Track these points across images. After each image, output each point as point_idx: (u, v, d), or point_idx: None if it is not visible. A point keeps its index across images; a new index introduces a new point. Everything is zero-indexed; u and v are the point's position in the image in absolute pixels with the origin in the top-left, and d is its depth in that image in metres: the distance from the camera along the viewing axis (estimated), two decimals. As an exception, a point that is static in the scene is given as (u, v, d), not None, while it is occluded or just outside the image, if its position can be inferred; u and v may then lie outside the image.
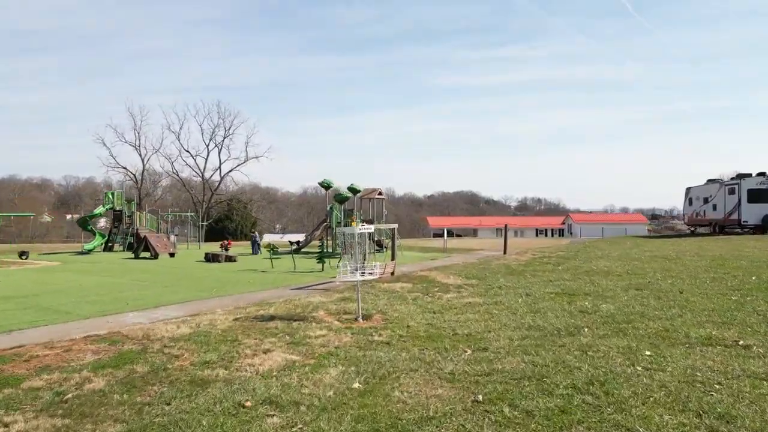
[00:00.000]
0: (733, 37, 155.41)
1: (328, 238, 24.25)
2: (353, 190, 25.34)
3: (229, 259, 20.95)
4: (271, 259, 18.64)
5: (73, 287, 12.65)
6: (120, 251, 27.88)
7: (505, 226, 21.99)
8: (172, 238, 30.20)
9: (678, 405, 3.96)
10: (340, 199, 25.31)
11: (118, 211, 29.02)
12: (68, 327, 7.55)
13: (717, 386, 4.34)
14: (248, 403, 4.13)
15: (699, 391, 4.25)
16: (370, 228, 8.11)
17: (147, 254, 23.53)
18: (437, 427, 3.65)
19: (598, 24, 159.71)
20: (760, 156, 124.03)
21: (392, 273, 13.64)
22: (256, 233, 27.61)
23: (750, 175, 28.02)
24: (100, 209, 29.86)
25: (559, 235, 71.73)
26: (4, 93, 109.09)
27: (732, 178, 29.26)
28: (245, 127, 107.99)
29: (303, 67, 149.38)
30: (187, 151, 58.33)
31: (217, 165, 58.87)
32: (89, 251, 27.14)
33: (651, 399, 4.08)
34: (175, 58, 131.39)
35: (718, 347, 5.55)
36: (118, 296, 10.87)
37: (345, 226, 20.24)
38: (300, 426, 3.70)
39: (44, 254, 26.87)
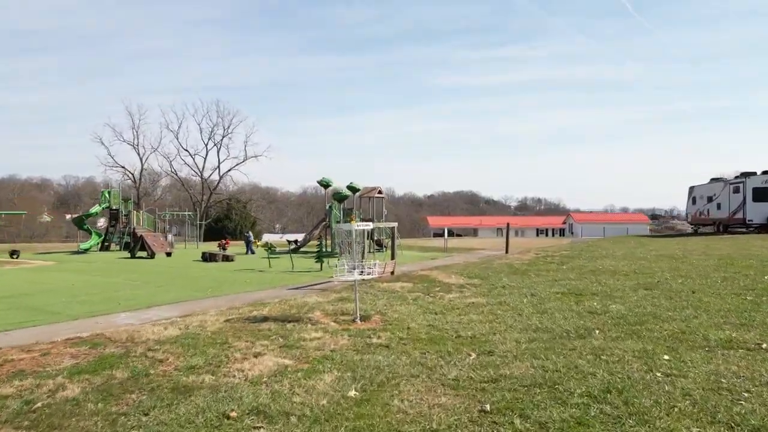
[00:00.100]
0: (733, 37, 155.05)
1: (327, 237, 23.89)
2: (352, 189, 24.98)
3: (227, 258, 20.62)
4: (268, 258, 18.29)
5: (65, 287, 12.34)
6: (117, 251, 27.53)
7: (507, 225, 21.62)
8: (170, 237, 29.86)
9: (706, 416, 3.59)
10: (339, 197, 24.95)
11: (115, 210, 28.65)
12: (55, 328, 7.27)
13: (746, 394, 3.98)
14: (234, 414, 3.77)
15: (726, 399, 3.89)
16: (368, 225, 7.74)
17: (143, 254, 23.19)
18: (441, 441, 3.29)
19: (598, 24, 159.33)
20: (761, 156, 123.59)
21: (392, 272, 13.29)
22: (251, 233, 27.17)
23: (755, 173, 27.63)
24: (96, 208, 29.49)
25: (560, 235, 71.34)
26: (4, 93, 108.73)
27: (736, 177, 28.87)
28: (244, 126, 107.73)
29: (303, 67, 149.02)
30: (186, 150, 57.94)
31: (216, 164, 58.52)
32: (85, 251, 26.77)
33: (675, 409, 3.71)
34: (175, 58, 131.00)
35: (740, 350, 5.19)
36: (110, 296, 10.57)
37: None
38: (289, 440, 3.34)
39: (39, 254, 26.52)
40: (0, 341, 6.28)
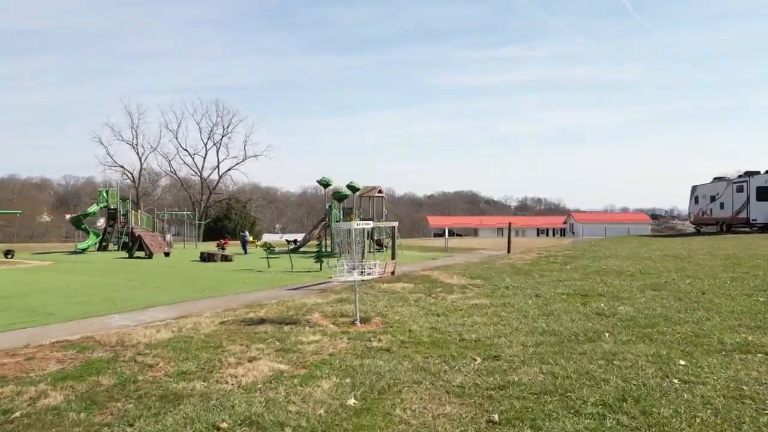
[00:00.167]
0: (733, 37, 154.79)
1: (327, 237, 23.65)
2: (352, 188, 24.74)
3: (225, 258, 20.39)
4: (267, 258, 18.05)
5: (60, 287, 12.12)
6: (115, 251, 27.29)
7: (509, 224, 21.38)
8: (168, 237, 29.63)
9: (730, 427, 3.35)
10: (339, 197, 24.70)
11: (113, 209, 28.39)
12: (48, 330, 7.07)
13: (770, 403, 3.73)
14: (224, 425, 3.53)
15: (751, 409, 3.64)
16: (368, 224, 7.49)
17: (141, 254, 22.96)
18: (447, 456, 3.04)
19: (598, 24, 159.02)
20: (761, 156, 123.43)
21: (392, 272, 13.05)
22: (247, 233, 26.77)
23: (758, 172, 27.39)
24: (94, 208, 29.22)
25: (561, 235, 71.08)
26: (4, 93, 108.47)
27: (740, 176, 28.62)
28: (244, 126, 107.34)
29: (303, 67, 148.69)
30: (185, 150, 57.73)
31: (216, 164, 58.30)
32: (83, 251, 26.53)
33: (697, 420, 3.47)
34: (175, 58, 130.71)
35: (759, 355, 4.94)
36: (106, 297, 10.36)
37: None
38: (283, 454, 3.10)
39: (37, 253, 26.28)
40: (-14, 344, 6.04)
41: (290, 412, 3.74)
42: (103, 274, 15.21)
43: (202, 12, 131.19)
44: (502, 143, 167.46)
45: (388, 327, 6.56)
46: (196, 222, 38.64)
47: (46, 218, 63.50)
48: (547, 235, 72.27)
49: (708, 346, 5.29)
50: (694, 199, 32.61)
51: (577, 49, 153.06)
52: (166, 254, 23.50)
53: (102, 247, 27.96)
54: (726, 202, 28.65)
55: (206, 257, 20.48)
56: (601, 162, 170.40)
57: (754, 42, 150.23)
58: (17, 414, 3.78)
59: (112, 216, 28.52)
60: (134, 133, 54.67)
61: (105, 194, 28.75)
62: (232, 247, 26.30)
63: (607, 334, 5.86)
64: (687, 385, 4.14)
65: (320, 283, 11.84)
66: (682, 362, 4.74)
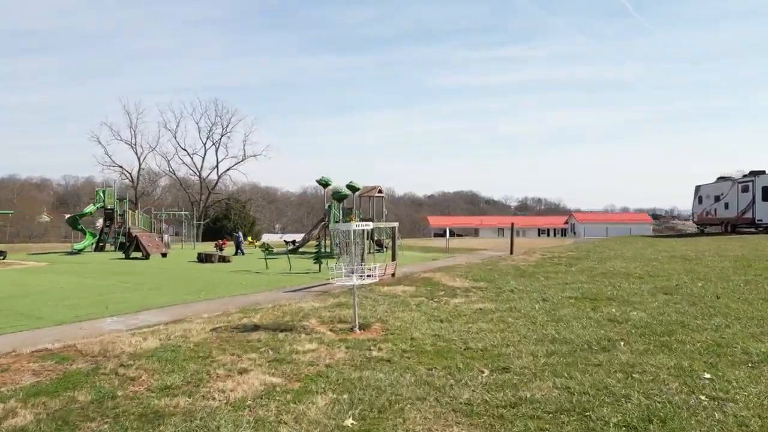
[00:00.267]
0: (733, 37, 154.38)
1: (326, 237, 23.29)
2: (352, 188, 24.39)
3: (223, 259, 20.09)
4: (265, 259, 17.70)
5: (54, 289, 11.82)
6: (111, 251, 26.96)
7: (512, 225, 21.02)
8: (166, 237, 29.28)
9: (772, 454, 2.99)
10: (339, 197, 24.35)
11: (110, 209, 28.06)
12: (35, 335, 6.80)
13: (812, 425, 3.37)
14: (207, 450, 3.17)
15: (791, 431, 3.28)
16: (368, 225, 7.12)
17: (138, 254, 22.64)
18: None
19: (598, 24, 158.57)
20: (760, 156, 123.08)
21: (393, 274, 12.71)
22: (241, 233, 26.28)
23: (764, 172, 27.02)
24: (90, 208, 28.89)
25: (562, 235, 70.70)
26: (4, 93, 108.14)
27: (745, 176, 28.25)
28: (243, 125, 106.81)
29: (303, 67, 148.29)
30: (184, 150, 57.34)
31: (215, 164, 57.91)
32: (79, 251, 26.21)
33: (734, 445, 3.11)
34: (175, 58, 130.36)
35: (789, 367, 4.59)
36: (99, 299, 10.07)
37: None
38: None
39: (33, 254, 25.96)
40: (-37, 353, 5.68)
41: (281, 434, 3.39)
42: (98, 276, 14.89)
43: (202, 12, 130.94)
44: (502, 143, 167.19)
45: (388, 334, 6.21)
46: (194, 222, 38.24)
47: (45, 218, 63.21)
48: (548, 235, 71.88)
49: (732, 357, 4.93)
50: (698, 199, 32.24)
51: (577, 49, 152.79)
52: (163, 255, 23.19)
53: (99, 248, 27.64)
54: (731, 202, 28.29)
55: (204, 258, 20.18)
56: (601, 162, 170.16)
57: (754, 42, 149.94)
58: (-21, 436, 3.43)
59: (109, 216, 28.20)
60: (133, 132, 54.39)
61: (102, 194, 28.42)
62: (231, 248, 25.94)
63: (622, 343, 5.50)
64: (716, 403, 3.78)
65: (319, 285, 11.50)
66: (707, 375, 4.38)
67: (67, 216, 30.13)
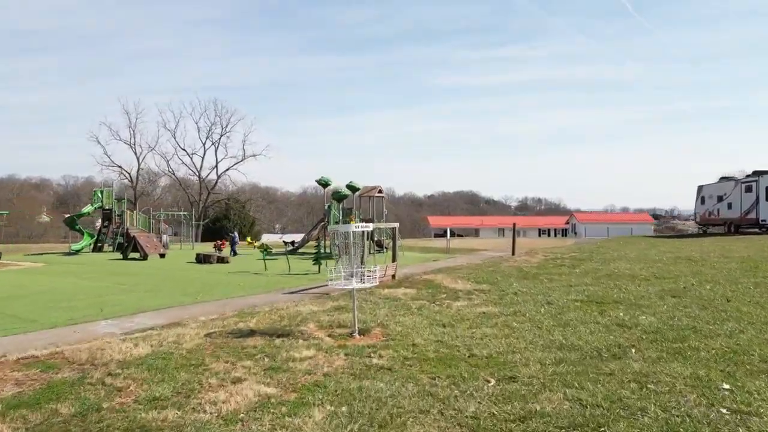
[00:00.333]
0: (733, 37, 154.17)
1: (326, 238, 23.05)
2: (352, 188, 24.15)
3: (221, 260, 19.85)
4: (264, 260, 17.47)
5: (49, 291, 11.62)
6: (109, 252, 26.73)
7: (514, 225, 20.78)
8: (164, 238, 29.05)
9: (806, 476, 2.76)
10: (339, 197, 24.11)
11: (108, 210, 27.82)
12: (26, 339, 6.62)
13: (844, 442, 3.14)
14: (194, 470, 2.94)
15: (823, 450, 3.05)
16: (368, 226, 6.89)
17: (136, 255, 22.41)
18: None
19: (598, 24, 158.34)
20: (760, 156, 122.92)
21: (393, 276, 12.48)
22: (236, 233, 25.86)
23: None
24: (88, 208, 28.63)
25: (563, 235, 70.46)
26: (4, 93, 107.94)
27: (748, 176, 28.03)
28: (243, 125, 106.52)
29: (303, 67, 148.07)
30: (183, 150, 57.07)
31: (214, 164, 57.66)
32: (77, 252, 25.97)
33: (763, 466, 2.88)
34: (175, 58, 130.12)
35: (811, 377, 4.36)
36: (94, 301, 9.87)
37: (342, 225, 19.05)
38: None
39: (30, 255, 25.73)
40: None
41: (275, 452, 3.16)
42: (95, 277, 14.67)
43: (202, 12, 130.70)
44: (502, 143, 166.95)
45: (389, 340, 5.98)
46: (193, 222, 37.99)
47: (45, 218, 62.99)
48: (549, 235, 71.63)
49: (750, 366, 4.70)
50: (701, 199, 32.03)
51: (577, 49, 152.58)
52: (162, 255, 22.95)
53: (97, 248, 27.40)
54: (734, 203, 28.06)
55: (202, 259, 19.95)
56: (601, 162, 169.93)
57: (754, 42, 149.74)
58: (-49, 454, 3.20)
59: (107, 216, 27.96)
60: (132, 132, 54.14)
61: (100, 194, 28.18)
62: (229, 248, 25.69)
63: (633, 350, 5.27)
64: (738, 417, 3.55)
65: (317, 287, 11.27)
66: (726, 386, 4.15)
67: (65, 216, 29.87)
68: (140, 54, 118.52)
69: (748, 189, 27.03)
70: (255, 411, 3.84)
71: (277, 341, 5.90)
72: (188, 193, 57.39)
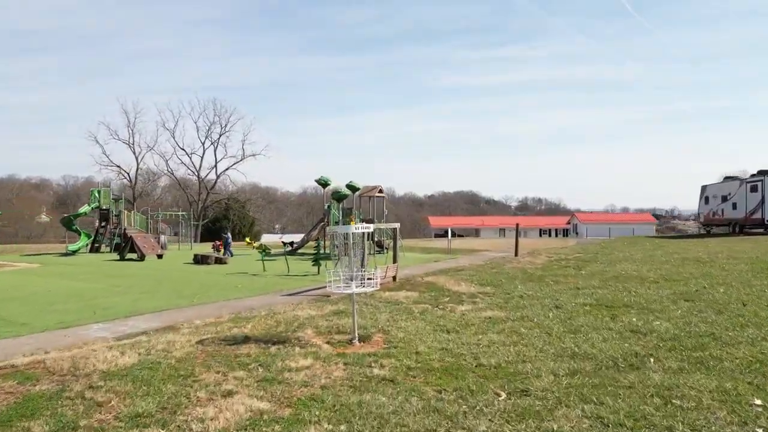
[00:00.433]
0: (733, 37, 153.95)
1: (325, 238, 22.73)
2: (352, 188, 23.83)
3: (219, 261, 19.53)
4: (262, 261, 17.15)
5: (42, 293, 11.31)
6: (107, 252, 26.41)
7: (517, 225, 20.47)
8: (162, 238, 28.73)
9: None
10: (338, 197, 23.78)
11: (105, 210, 27.49)
12: (14, 344, 6.32)
13: None
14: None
15: None
16: (368, 227, 6.56)
17: (133, 255, 22.10)
18: None
19: (598, 24, 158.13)
20: (760, 156, 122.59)
21: (394, 277, 12.15)
22: (229, 234, 25.20)
23: (773, 171, 26.48)
24: (85, 208, 28.29)
25: (564, 235, 70.10)
26: (4, 93, 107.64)
27: (753, 175, 27.70)
28: (242, 125, 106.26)
29: (303, 67, 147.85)
30: (182, 149, 56.66)
31: (213, 163, 57.28)
32: (74, 252, 25.65)
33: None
34: (175, 58, 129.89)
35: None
36: (88, 304, 9.58)
37: (341, 225, 18.73)
38: None
39: (27, 255, 25.42)
40: None
41: (265, 479, 2.84)
42: (90, 278, 14.36)
43: (202, 12, 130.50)
44: (502, 143, 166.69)
45: (391, 347, 5.65)
46: (192, 222, 37.67)
47: (44, 218, 62.70)
48: (550, 235, 71.30)
49: (779, 377, 4.37)
50: (704, 199, 31.69)
51: (577, 49, 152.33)
52: (159, 256, 22.65)
53: (94, 249, 27.08)
54: (739, 202, 27.73)
55: (200, 260, 19.64)
56: (601, 162, 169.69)
57: (754, 42, 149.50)
58: None
59: (104, 216, 27.64)
60: (130, 132, 53.75)
61: (97, 194, 27.85)
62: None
63: (651, 360, 4.95)
64: (776, 438, 3.23)
65: (317, 288, 10.94)
66: (758, 402, 3.82)
67: (62, 216, 29.54)
68: (140, 54, 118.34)
69: (754, 189, 26.70)
70: (246, 429, 3.52)
71: (273, 349, 5.58)
72: (187, 193, 57.00)
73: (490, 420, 3.61)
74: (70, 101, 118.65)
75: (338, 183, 24.17)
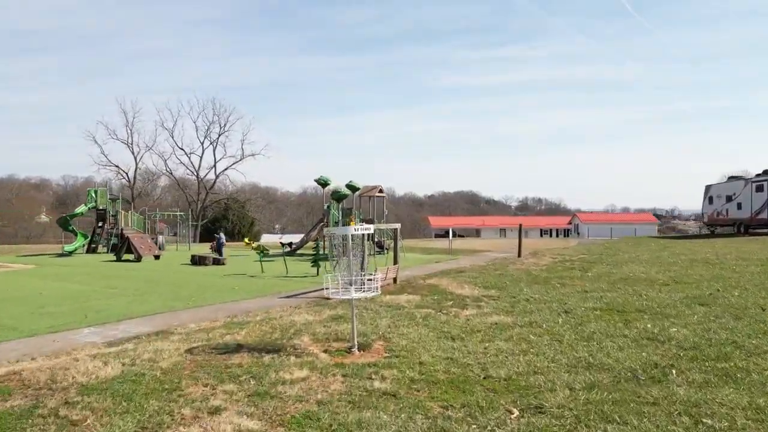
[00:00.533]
0: (733, 37, 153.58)
1: (325, 238, 22.38)
2: (352, 188, 23.50)
3: (217, 262, 19.20)
4: (261, 262, 16.81)
5: (34, 295, 10.99)
6: (104, 253, 26.06)
7: (520, 226, 20.12)
8: (160, 239, 28.38)
9: None
10: (338, 197, 23.43)
11: (102, 210, 27.13)
12: (1, 350, 6.06)
13: None
14: None
15: None
16: (368, 228, 6.21)
17: (130, 256, 21.76)
18: None
19: (598, 24, 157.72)
20: (760, 156, 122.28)
21: (395, 279, 11.80)
22: (222, 234, 24.45)
23: (779, 171, 26.12)
24: (82, 208, 27.93)
25: (565, 236, 69.73)
26: (4, 93, 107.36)
27: (758, 175, 27.34)
28: (241, 124, 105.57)
29: (303, 67, 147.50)
30: (181, 149, 56.25)
31: (212, 163, 56.88)
32: (70, 253, 25.30)
33: None
34: (175, 58, 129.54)
35: None
36: (80, 306, 9.29)
37: (341, 226, 18.40)
38: None
39: (23, 256, 25.08)
40: None
41: None
42: (85, 280, 14.03)
43: (202, 12, 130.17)
44: (502, 143, 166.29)
45: (392, 356, 5.30)
46: (190, 223, 37.31)
47: (44, 218, 62.41)
48: (551, 235, 70.94)
49: (816, 392, 4.02)
50: (708, 199, 31.33)
51: (577, 49, 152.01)
52: (156, 257, 22.31)
53: (91, 249, 26.73)
54: (744, 203, 27.37)
55: (197, 260, 19.31)
56: (601, 162, 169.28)
57: (754, 42, 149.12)
58: None
59: (101, 217, 27.28)
60: (129, 131, 53.31)
61: (94, 194, 27.50)
62: (227, 249, 25.01)
63: (674, 371, 4.59)
64: (826, 466, 2.88)
65: (315, 290, 10.61)
66: (798, 421, 3.47)
67: (59, 216, 29.19)
68: (140, 54, 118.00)
69: (759, 188, 26.34)
70: (232, 453, 3.17)
71: (267, 358, 5.23)
72: (186, 193, 56.61)
73: (503, 443, 3.26)
74: (70, 101, 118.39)
75: (338, 183, 23.85)
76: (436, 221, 76.63)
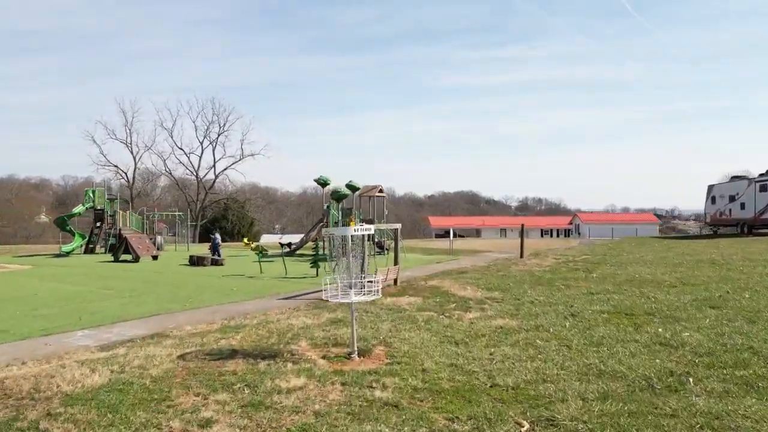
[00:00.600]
0: (733, 37, 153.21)
1: (323, 240, 22.14)
2: (352, 188, 23.27)
3: (215, 262, 18.98)
4: (260, 263, 16.58)
5: (28, 296, 10.78)
6: (101, 253, 25.83)
7: (522, 226, 19.88)
8: (159, 239, 28.16)
9: None
10: (338, 196, 23.20)
11: (100, 210, 26.90)
12: None
13: None
14: None
15: None
16: (369, 228, 5.97)
17: (128, 257, 21.54)
18: None
19: (598, 24, 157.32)
20: (760, 156, 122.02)
21: (395, 281, 11.57)
22: (218, 235, 23.97)
23: (782, 170, 25.89)
24: (80, 208, 27.71)
25: (566, 236, 69.49)
26: (4, 93, 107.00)
27: (762, 174, 27.11)
28: (241, 124, 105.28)
29: (303, 67, 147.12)
30: (181, 149, 56.00)
31: (212, 163, 56.64)
32: (67, 253, 25.08)
33: None
34: (175, 58, 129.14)
35: None
36: (75, 308, 9.10)
37: (341, 226, 18.18)
38: None
39: (20, 256, 24.87)
40: None
41: None
42: (81, 281, 13.82)
43: (202, 12, 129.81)
44: (502, 143, 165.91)
45: (394, 363, 5.07)
46: (189, 223, 37.09)
47: (43, 218, 62.19)
48: (552, 236, 70.70)
49: (844, 403, 3.79)
50: (711, 199, 31.10)
51: (577, 49, 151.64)
52: (154, 257, 22.09)
53: (89, 250, 26.51)
54: (747, 202, 27.14)
55: (196, 261, 19.09)
56: (602, 162, 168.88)
57: (754, 42, 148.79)
58: None
59: (98, 217, 27.06)
60: (128, 131, 53.06)
61: (91, 194, 27.27)
62: (225, 249, 24.80)
63: (691, 380, 4.36)
64: None
65: (314, 292, 10.38)
66: (830, 436, 3.24)
67: (56, 217, 28.97)
68: (140, 54, 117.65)
69: (763, 188, 26.11)
70: (222, 472, 2.94)
71: (262, 365, 4.99)
72: (185, 193, 56.38)
73: (514, 460, 3.03)
74: (70, 101, 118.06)
75: (338, 183, 23.62)
76: (436, 221, 76.39)
